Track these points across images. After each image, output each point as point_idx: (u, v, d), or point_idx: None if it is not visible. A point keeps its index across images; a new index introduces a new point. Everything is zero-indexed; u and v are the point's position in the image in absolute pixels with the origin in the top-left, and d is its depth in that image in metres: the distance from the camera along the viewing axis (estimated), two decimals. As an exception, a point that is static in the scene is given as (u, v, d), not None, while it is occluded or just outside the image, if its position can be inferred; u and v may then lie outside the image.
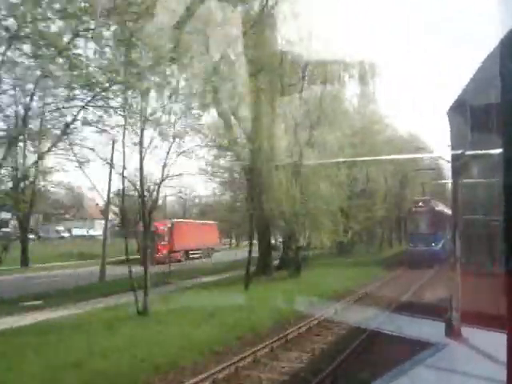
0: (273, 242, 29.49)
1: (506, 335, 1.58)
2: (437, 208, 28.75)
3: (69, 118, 13.00)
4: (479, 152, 6.04)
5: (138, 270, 14.08)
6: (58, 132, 14.43)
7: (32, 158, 15.46)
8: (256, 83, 18.13)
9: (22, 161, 15.84)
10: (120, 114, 12.71)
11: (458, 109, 7.72)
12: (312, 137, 22.51)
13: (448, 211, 26.18)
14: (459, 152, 8.04)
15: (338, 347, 10.34)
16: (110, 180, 21.76)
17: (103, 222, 27.57)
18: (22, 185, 16.54)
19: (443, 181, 35.22)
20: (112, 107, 12.42)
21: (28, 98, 14.03)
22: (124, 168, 13.67)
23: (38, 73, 11.16)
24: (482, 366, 4.33)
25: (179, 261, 30.83)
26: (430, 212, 28.20)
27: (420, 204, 29.24)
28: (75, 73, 10.59)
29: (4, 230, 34.10)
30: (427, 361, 4.98)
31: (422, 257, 25.71)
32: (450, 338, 5.62)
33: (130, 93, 12.13)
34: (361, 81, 24.63)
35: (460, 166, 7.94)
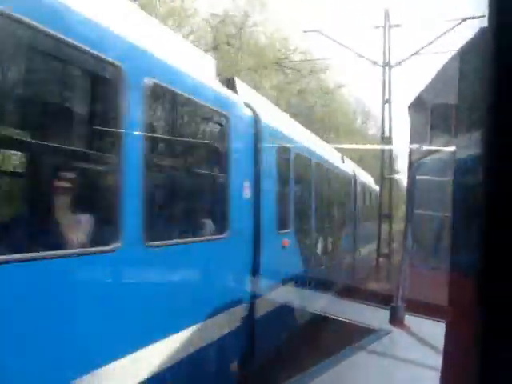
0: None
1: (445, 325, 1.67)
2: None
3: None
4: (435, 148, 6.24)
5: None
6: None
7: None
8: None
9: None
10: None
11: (418, 106, 7.93)
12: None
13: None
14: (417, 146, 8.22)
15: None
16: None
17: None
18: None
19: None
20: None
21: None
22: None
23: None
24: (421, 352, 4.55)
25: None
26: None
27: None
28: None
29: None
30: (369, 347, 5.15)
31: None
32: (394, 326, 5.84)
33: None
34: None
35: (416, 160, 8.14)
